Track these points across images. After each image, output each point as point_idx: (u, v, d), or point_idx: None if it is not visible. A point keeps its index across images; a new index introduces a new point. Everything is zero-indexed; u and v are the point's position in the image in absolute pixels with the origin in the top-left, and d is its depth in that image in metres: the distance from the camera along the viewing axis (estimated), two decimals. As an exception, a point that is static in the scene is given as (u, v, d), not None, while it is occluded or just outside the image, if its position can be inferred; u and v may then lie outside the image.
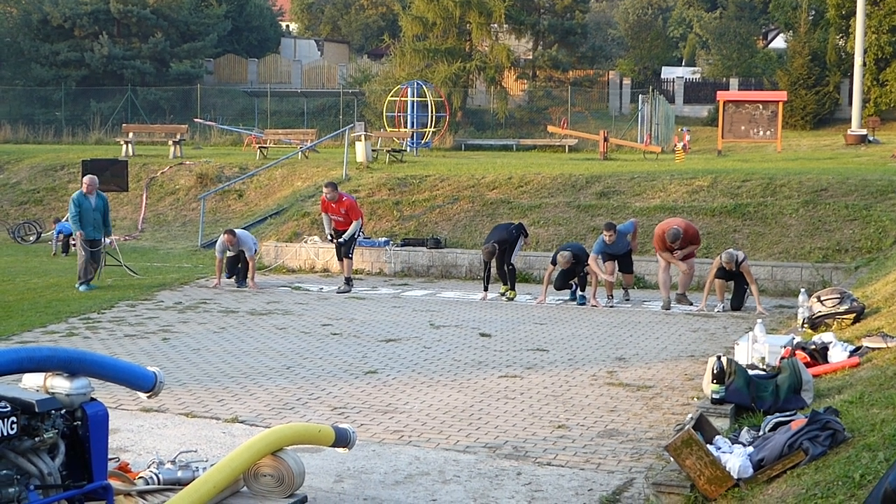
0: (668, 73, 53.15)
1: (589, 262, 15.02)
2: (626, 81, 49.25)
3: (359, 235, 17.33)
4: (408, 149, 31.22)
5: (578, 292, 15.24)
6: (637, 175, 20.88)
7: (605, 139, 31.83)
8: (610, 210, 18.86)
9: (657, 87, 45.97)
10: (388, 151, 27.51)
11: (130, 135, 31.42)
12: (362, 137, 26.65)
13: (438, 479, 6.77)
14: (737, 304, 14.44)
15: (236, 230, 17.02)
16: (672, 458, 6.07)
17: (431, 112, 35.17)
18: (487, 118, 44.03)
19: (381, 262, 18.85)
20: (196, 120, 39.00)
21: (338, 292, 16.22)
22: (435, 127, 35.93)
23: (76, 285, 16.06)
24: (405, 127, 34.90)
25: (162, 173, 26.49)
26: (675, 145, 32.31)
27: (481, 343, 11.89)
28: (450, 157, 30.48)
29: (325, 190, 16.92)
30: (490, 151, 35.92)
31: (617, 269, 15.33)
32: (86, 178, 16.73)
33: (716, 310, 14.30)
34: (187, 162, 27.32)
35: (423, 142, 34.65)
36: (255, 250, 17.13)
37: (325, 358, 10.87)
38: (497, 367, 10.44)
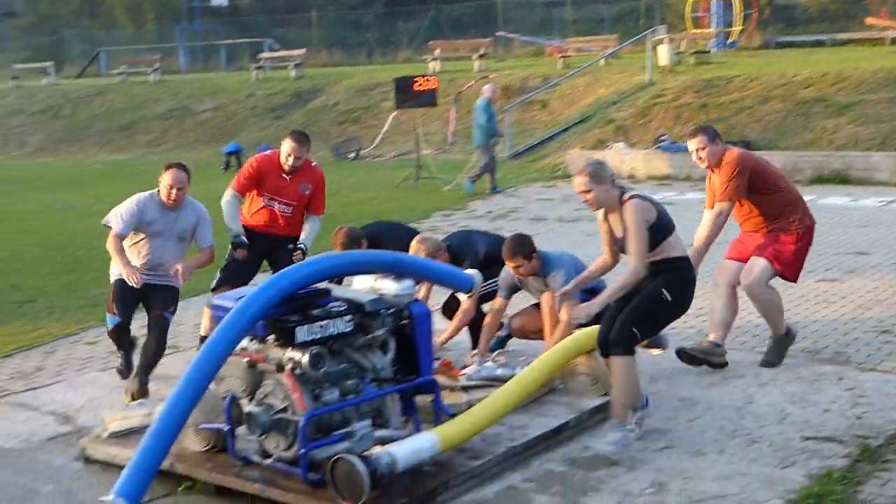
0: None
1: None
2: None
3: None
4: (713, 50, 30.15)
5: None
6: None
7: (934, 26, 29.30)
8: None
9: None
10: (692, 53, 26.71)
11: (437, 51, 32.31)
12: (665, 41, 26.00)
13: (754, 381, 6.68)
14: None
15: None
16: None
17: (737, 10, 33.73)
18: (798, 13, 41.53)
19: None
20: (498, 34, 39.42)
21: None
22: (742, 25, 34.46)
23: (464, 184, 17.59)
24: (710, 27, 33.70)
25: (468, 87, 27.08)
26: None
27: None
28: (758, 56, 29.12)
29: (288, 146, 7.74)
30: (801, 48, 34.04)
31: None
32: (487, 87, 18.20)
33: None
34: (492, 75, 27.75)
35: (728, 41, 33.35)
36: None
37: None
38: (815, 271, 10.03)
